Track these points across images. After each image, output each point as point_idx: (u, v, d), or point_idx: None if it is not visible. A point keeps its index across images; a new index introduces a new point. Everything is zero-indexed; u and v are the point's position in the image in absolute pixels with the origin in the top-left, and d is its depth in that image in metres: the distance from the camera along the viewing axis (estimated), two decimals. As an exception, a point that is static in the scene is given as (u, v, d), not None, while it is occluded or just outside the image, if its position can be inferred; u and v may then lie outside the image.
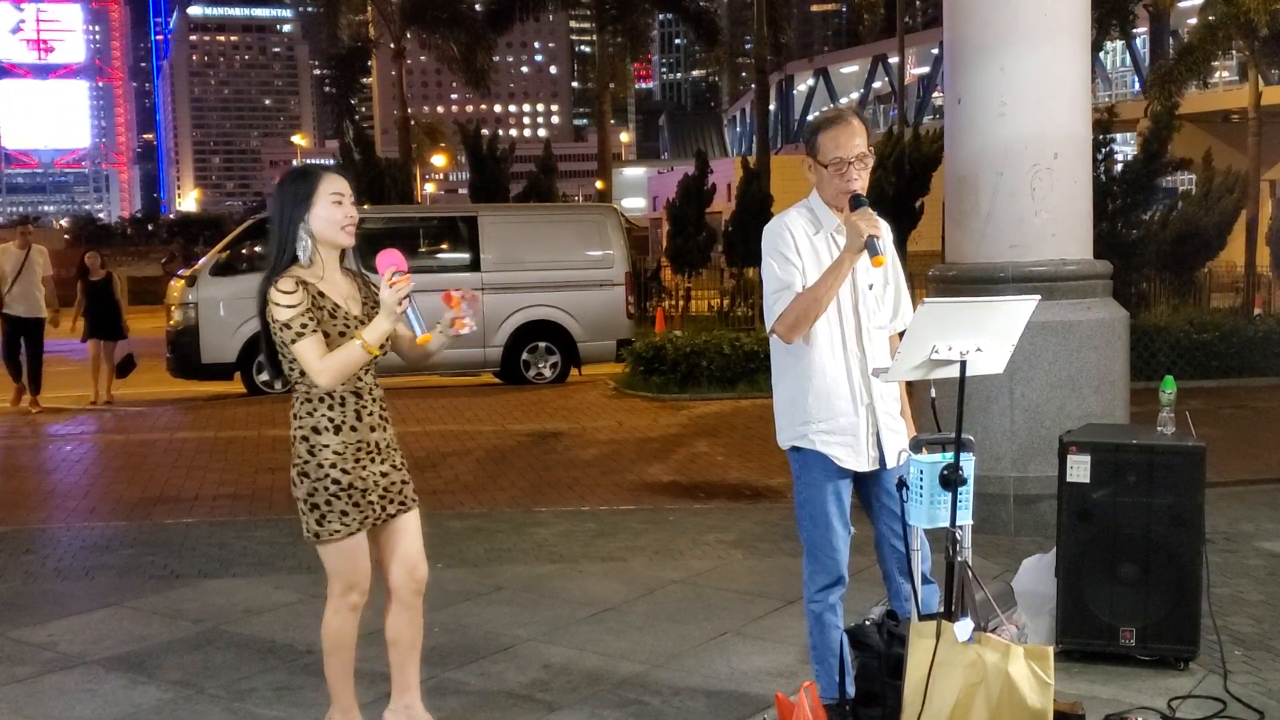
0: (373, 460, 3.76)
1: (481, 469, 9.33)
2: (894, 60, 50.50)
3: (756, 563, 6.33)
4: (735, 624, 5.24)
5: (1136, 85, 47.16)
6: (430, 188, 74.32)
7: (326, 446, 3.68)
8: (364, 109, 56.29)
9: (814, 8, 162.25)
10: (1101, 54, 37.39)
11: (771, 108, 45.63)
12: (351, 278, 3.83)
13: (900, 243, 17.43)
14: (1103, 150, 15.89)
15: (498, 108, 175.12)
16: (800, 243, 3.82)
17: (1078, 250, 6.73)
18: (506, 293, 14.73)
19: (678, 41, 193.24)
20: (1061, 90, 6.63)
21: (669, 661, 4.80)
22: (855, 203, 3.75)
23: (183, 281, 14.67)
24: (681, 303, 23.91)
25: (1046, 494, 5.93)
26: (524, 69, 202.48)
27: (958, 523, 3.51)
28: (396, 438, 3.90)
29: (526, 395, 13.85)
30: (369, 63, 39.05)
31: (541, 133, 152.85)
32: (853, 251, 3.70)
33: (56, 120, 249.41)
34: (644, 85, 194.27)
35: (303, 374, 3.70)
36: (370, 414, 3.76)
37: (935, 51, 55.51)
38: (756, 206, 22.45)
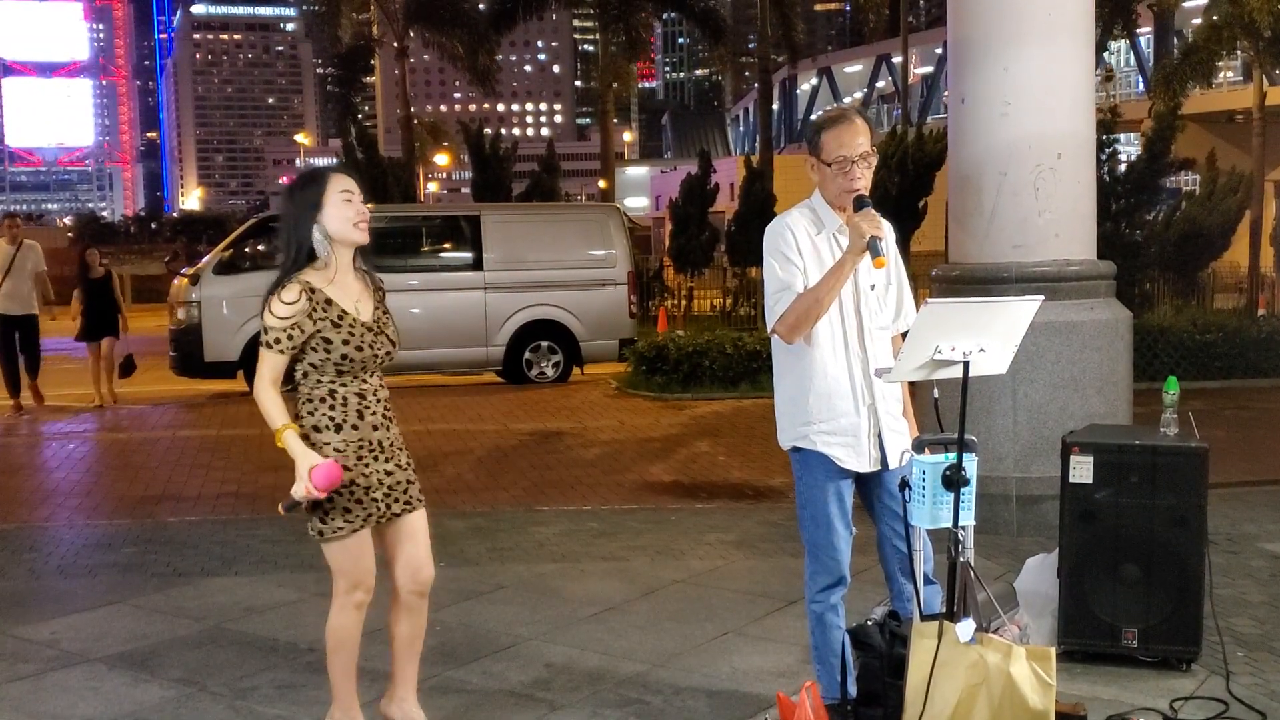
0: (376, 459, 3.76)
1: (483, 468, 9.34)
2: (897, 60, 50.54)
3: (758, 563, 6.33)
4: (737, 624, 5.24)
5: (1140, 85, 47.11)
6: (433, 187, 74.40)
7: (328, 444, 3.69)
8: (367, 108, 56.29)
9: (818, 7, 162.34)
10: (1106, 54, 37.31)
11: (775, 107, 45.66)
12: (364, 278, 3.83)
13: (903, 243, 17.48)
14: (1106, 150, 15.88)
15: (500, 107, 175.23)
16: (802, 243, 3.82)
17: (1081, 251, 6.72)
18: (509, 292, 14.73)
19: (681, 40, 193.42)
20: (1065, 90, 6.62)
21: (670, 661, 4.80)
22: (858, 204, 3.75)
23: (186, 280, 14.67)
24: (684, 302, 23.92)
25: (1049, 494, 5.92)
26: (527, 68, 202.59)
27: (960, 523, 3.51)
28: (402, 437, 3.91)
29: (529, 394, 13.85)
30: (372, 61, 39.04)
31: (544, 132, 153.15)
32: (854, 253, 3.70)
33: (60, 118, 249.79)
34: (647, 84, 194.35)
35: (305, 374, 3.72)
36: (374, 413, 3.76)
37: (939, 51, 55.47)
38: (759, 206, 22.46)
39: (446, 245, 15.60)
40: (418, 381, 14.65)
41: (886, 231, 3.77)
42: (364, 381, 3.74)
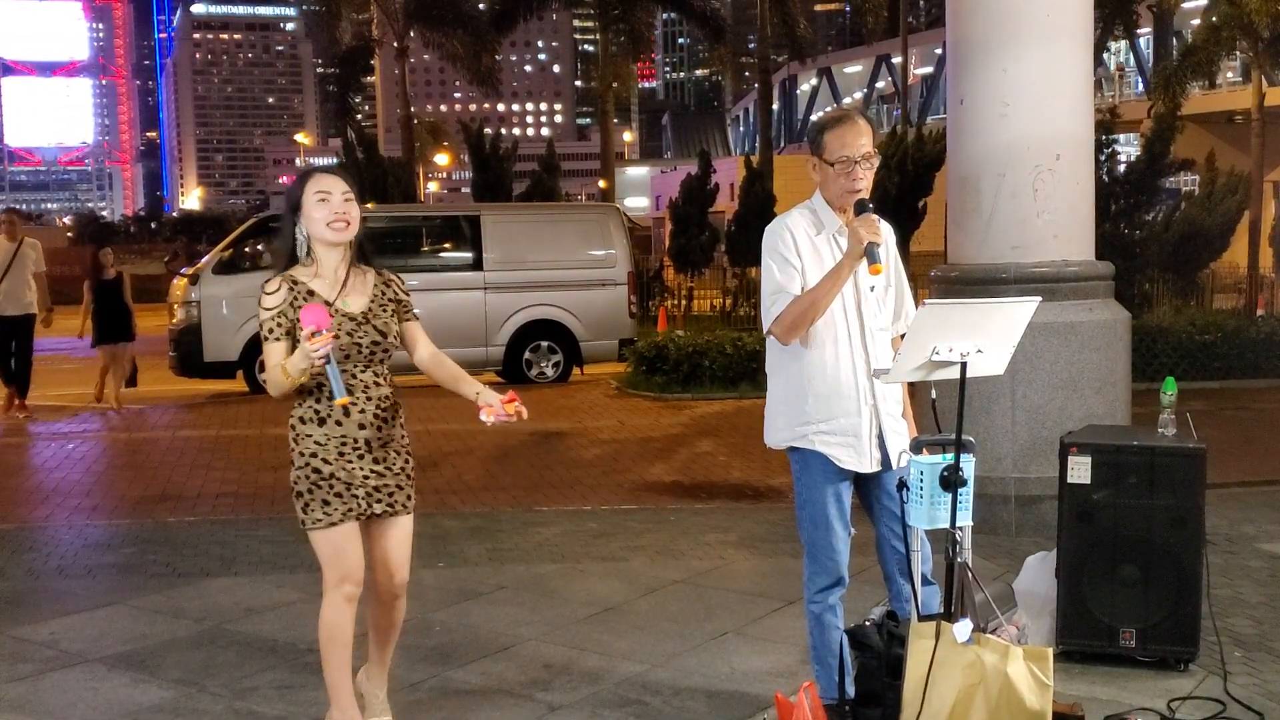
0: (361, 457, 3.77)
1: (483, 468, 9.35)
2: (897, 60, 50.53)
3: (757, 563, 6.33)
4: (736, 624, 5.25)
5: (1140, 86, 47.11)
6: (433, 187, 74.41)
7: (309, 436, 3.74)
8: (367, 107, 56.35)
9: (817, 7, 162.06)
10: (1105, 54, 37.33)
11: (775, 107, 45.65)
12: (363, 274, 3.85)
13: (903, 243, 17.48)
14: (1106, 151, 15.89)
15: (500, 106, 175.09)
16: (801, 244, 3.83)
17: (1080, 251, 6.73)
18: (509, 292, 14.74)
19: (681, 40, 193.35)
20: (1064, 91, 6.63)
21: (669, 661, 4.81)
22: (859, 208, 3.76)
23: (185, 280, 14.67)
24: (684, 302, 23.93)
25: (1047, 495, 5.93)
26: (527, 68, 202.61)
27: (958, 524, 3.51)
28: (407, 440, 3.91)
29: (528, 394, 13.73)
30: (372, 61, 39.07)
31: (544, 132, 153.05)
32: (852, 258, 3.71)
33: (60, 118, 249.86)
34: (647, 84, 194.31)
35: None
36: (361, 411, 3.77)
37: (939, 51, 55.46)
38: (759, 206, 22.49)
39: (446, 245, 15.61)
40: (417, 381, 14.58)
41: (886, 235, 3.78)
42: (353, 377, 3.75)
